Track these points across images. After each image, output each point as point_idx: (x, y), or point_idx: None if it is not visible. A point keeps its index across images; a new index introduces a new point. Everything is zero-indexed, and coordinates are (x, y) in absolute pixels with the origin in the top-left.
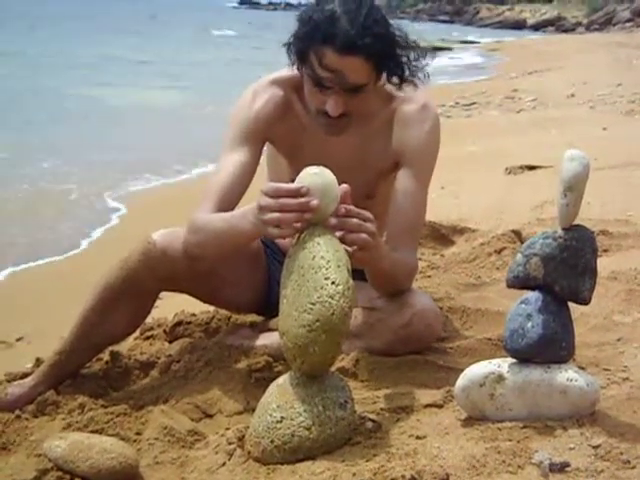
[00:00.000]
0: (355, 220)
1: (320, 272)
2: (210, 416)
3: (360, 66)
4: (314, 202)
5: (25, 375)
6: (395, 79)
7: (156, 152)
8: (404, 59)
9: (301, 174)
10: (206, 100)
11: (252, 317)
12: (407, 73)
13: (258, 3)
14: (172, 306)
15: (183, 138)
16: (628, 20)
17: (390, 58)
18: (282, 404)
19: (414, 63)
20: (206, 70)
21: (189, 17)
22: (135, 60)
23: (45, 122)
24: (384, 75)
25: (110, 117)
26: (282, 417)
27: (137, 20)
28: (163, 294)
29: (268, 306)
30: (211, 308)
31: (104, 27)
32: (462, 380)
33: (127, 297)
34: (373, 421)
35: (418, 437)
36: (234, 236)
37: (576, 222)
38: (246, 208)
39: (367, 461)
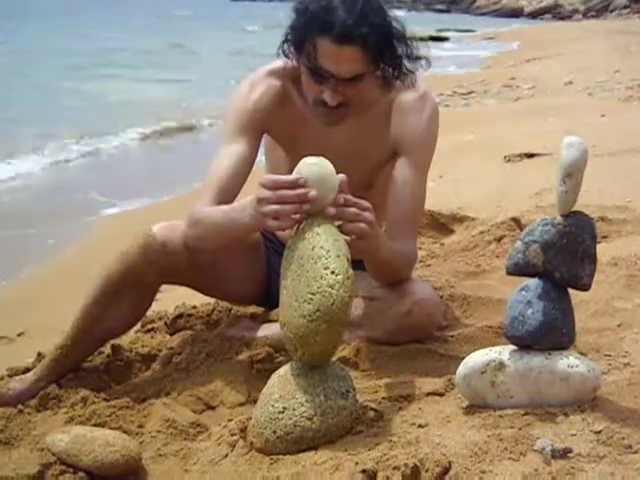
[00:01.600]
0: (353, 209)
1: (320, 262)
2: (212, 408)
3: (357, 55)
4: (312, 193)
5: (27, 370)
6: (391, 69)
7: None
8: (400, 49)
9: (299, 165)
10: None
11: (253, 308)
12: (404, 63)
13: None
14: (173, 299)
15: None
16: (625, 7)
17: (387, 48)
18: (284, 395)
19: (410, 53)
20: None
21: (197, 14)
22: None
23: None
24: (381, 64)
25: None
26: (284, 407)
27: (151, 19)
28: (164, 287)
29: (268, 297)
30: (212, 300)
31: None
32: (463, 368)
33: (128, 290)
34: (375, 410)
35: (420, 425)
36: (233, 229)
37: (575, 209)
38: (245, 201)
39: (369, 450)
